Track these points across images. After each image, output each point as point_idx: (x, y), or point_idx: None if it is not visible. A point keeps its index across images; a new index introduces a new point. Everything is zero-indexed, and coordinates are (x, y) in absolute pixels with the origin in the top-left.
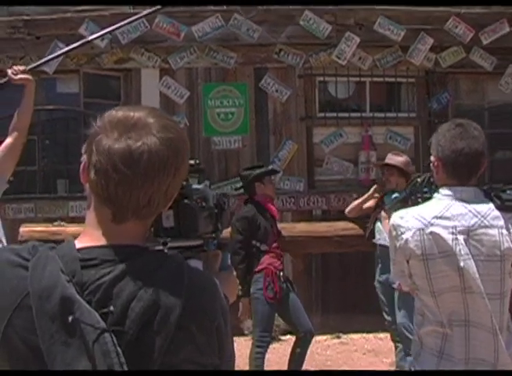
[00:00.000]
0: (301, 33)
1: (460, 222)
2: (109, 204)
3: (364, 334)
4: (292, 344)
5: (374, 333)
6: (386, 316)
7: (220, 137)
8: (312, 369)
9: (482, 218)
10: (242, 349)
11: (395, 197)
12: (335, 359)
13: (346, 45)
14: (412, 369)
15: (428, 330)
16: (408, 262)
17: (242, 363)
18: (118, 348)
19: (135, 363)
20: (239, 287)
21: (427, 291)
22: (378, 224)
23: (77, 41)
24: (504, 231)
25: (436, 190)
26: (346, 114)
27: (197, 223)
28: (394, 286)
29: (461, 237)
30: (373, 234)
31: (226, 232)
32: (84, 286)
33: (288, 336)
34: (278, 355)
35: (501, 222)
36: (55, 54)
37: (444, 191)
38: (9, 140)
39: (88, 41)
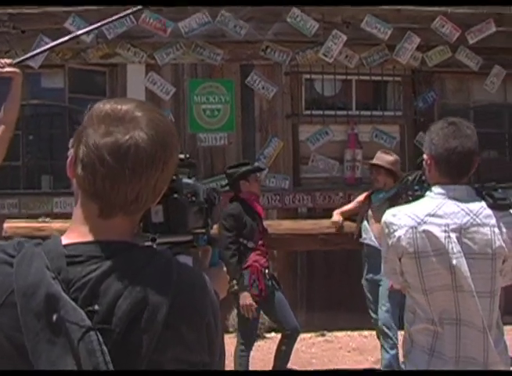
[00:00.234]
0: (288, 30)
1: (453, 220)
2: (96, 199)
3: (349, 332)
4: (277, 341)
5: (359, 331)
6: (372, 314)
7: (206, 134)
8: (297, 367)
9: (474, 217)
10: (226, 347)
11: (383, 197)
12: (320, 357)
13: (333, 42)
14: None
15: (419, 328)
16: (400, 259)
17: (226, 360)
18: (104, 347)
19: (122, 362)
20: (235, 282)
21: (418, 289)
22: (365, 223)
23: (63, 35)
24: (496, 229)
25: (427, 188)
26: (332, 112)
27: (187, 218)
28: (380, 283)
29: (453, 235)
30: (360, 233)
31: (215, 228)
32: (70, 283)
33: (273, 333)
34: (263, 352)
35: (493, 221)
36: (43, 48)
37: (436, 189)
38: None
39: (77, 36)
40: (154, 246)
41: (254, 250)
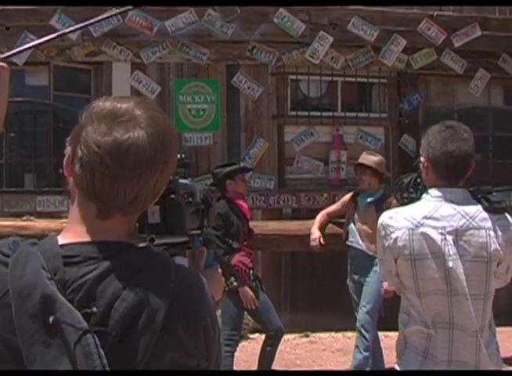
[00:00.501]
0: (275, 31)
1: (449, 222)
2: (94, 199)
3: (333, 333)
4: (261, 342)
5: (343, 332)
6: (357, 315)
7: (191, 133)
8: (282, 368)
9: (471, 220)
10: None
11: (370, 202)
12: (304, 358)
13: (319, 44)
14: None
15: (413, 330)
16: (396, 261)
17: None
18: (101, 350)
19: (118, 365)
20: (233, 279)
21: (413, 291)
22: (352, 226)
23: (48, 32)
24: (492, 233)
25: (422, 191)
26: (318, 113)
27: (184, 219)
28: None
29: (450, 238)
30: (348, 236)
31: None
32: (67, 284)
33: (256, 334)
34: (246, 353)
35: (489, 224)
36: (30, 44)
37: (433, 192)
38: None
39: (65, 34)
40: (151, 247)
41: (238, 250)
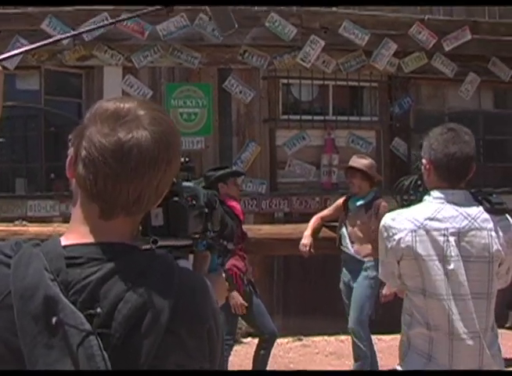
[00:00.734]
0: (266, 35)
1: (452, 224)
2: (97, 200)
3: (325, 337)
4: (254, 346)
5: (335, 335)
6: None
7: (183, 137)
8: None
9: (473, 221)
10: None
11: (360, 205)
12: (298, 362)
13: (311, 48)
14: None
15: (416, 332)
16: (399, 262)
17: None
18: (104, 352)
19: (121, 367)
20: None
21: (417, 291)
22: (343, 230)
23: (39, 36)
24: (493, 233)
25: (422, 193)
26: (309, 117)
27: (187, 222)
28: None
29: (452, 239)
30: (341, 240)
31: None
32: (69, 285)
33: (249, 338)
34: (240, 357)
35: (490, 225)
36: (25, 48)
37: (435, 194)
38: None
39: (59, 40)
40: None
41: (232, 252)
